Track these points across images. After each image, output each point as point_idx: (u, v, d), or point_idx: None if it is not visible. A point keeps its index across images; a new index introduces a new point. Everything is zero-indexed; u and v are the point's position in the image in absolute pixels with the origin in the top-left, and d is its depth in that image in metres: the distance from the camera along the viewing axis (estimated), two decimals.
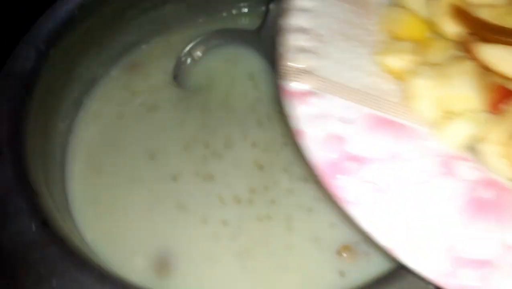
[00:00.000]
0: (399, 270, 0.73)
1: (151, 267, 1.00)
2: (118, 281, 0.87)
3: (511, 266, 0.65)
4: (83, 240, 1.04)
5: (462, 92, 0.71)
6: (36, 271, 0.87)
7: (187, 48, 1.24)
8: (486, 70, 0.72)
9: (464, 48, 0.74)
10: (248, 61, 1.23)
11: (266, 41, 1.15)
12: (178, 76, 1.23)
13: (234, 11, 1.32)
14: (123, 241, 1.05)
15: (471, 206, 0.69)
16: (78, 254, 0.91)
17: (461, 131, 0.73)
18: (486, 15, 0.75)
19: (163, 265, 1.00)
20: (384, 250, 0.69)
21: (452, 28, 0.78)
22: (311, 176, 0.81)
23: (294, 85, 0.78)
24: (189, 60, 1.23)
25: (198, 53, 1.23)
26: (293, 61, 0.79)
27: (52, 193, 1.04)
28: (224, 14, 1.32)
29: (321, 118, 0.75)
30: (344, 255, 0.92)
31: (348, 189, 0.71)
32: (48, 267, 0.87)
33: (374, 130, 0.74)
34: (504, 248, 0.66)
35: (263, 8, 1.18)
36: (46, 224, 0.93)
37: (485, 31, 0.73)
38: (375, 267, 0.91)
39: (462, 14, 0.76)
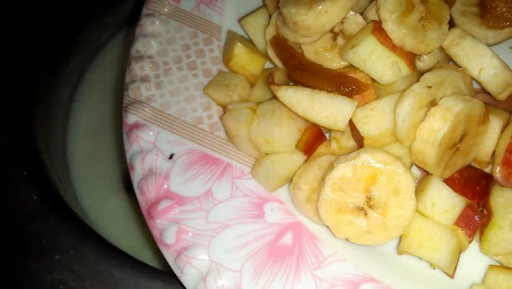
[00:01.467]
0: None
1: None
2: (125, 256, 0.79)
3: None
4: (83, 212, 0.96)
5: (269, 135, 0.68)
6: (38, 244, 0.79)
7: None
8: None
9: (268, 86, 0.71)
10: None
11: None
12: None
13: None
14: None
15: (270, 250, 0.66)
16: (83, 226, 0.82)
17: (271, 172, 0.69)
18: (307, 51, 0.73)
19: None
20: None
21: (278, 62, 0.75)
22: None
23: (129, 116, 0.76)
24: None
25: None
26: (132, 92, 0.76)
27: (53, 162, 0.94)
28: None
29: (146, 152, 0.73)
30: None
31: (165, 231, 0.68)
32: (51, 240, 0.79)
33: (194, 166, 0.72)
34: None
35: None
36: (48, 193, 0.84)
37: (296, 71, 0.70)
38: None
39: (280, 47, 0.73)
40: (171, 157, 0.73)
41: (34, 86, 0.96)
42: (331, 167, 0.65)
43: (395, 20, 0.68)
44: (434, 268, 0.68)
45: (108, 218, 0.97)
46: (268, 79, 0.73)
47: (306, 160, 0.70)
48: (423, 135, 0.64)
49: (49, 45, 0.99)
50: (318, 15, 0.70)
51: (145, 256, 0.92)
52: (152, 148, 0.73)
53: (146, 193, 0.71)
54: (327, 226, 0.66)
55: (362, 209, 0.64)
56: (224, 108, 0.76)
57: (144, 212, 0.71)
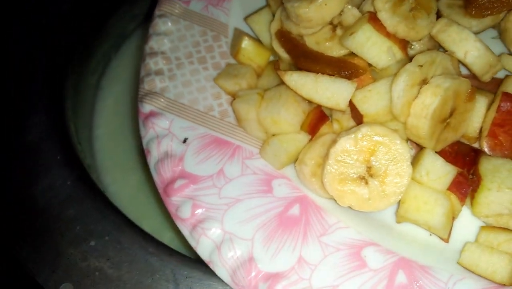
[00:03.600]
0: None
1: None
2: (162, 245, 0.78)
3: (300, 277, 0.66)
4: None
5: (276, 116, 0.71)
6: (73, 229, 0.78)
7: None
8: None
9: (276, 73, 0.74)
10: None
11: None
12: None
13: None
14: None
15: (279, 220, 0.70)
16: (117, 213, 0.81)
17: (278, 151, 0.72)
18: (309, 41, 0.77)
19: None
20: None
21: (282, 52, 0.78)
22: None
23: (144, 106, 0.79)
24: None
25: None
26: (147, 84, 0.81)
27: (83, 149, 0.93)
28: None
29: (162, 137, 0.76)
30: None
31: (181, 206, 0.71)
32: (86, 226, 0.78)
33: (207, 149, 0.75)
34: (298, 261, 0.67)
35: None
36: (82, 178, 0.83)
37: (301, 58, 0.75)
38: None
39: (285, 39, 0.77)
40: (185, 141, 0.76)
41: (64, 72, 0.96)
42: (334, 142, 0.67)
43: (388, 9, 0.72)
44: (430, 235, 0.69)
45: (129, 202, 0.97)
46: (275, 66, 0.77)
47: (310, 140, 0.72)
48: (417, 110, 0.67)
49: (78, 32, 1.00)
50: (319, 8, 0.73)
51: (165, 237, 0.93)
52: (167, 134, 0.76)
53: (162, 173, 0.74)
54: (332, 196, 0.68)
55: (363, 178, 0.67)
56: (234, 96, 0.78)
57: (161, 190, 0.73)
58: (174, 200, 0.72)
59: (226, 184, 0.72)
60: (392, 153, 0.66)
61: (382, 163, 0.66)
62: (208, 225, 0.69)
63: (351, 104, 0.71)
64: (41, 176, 0.83)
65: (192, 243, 0.70)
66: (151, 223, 0.94)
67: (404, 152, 0.66)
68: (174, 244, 0.89)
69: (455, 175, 0.68)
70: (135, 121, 1.00)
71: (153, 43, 0.84)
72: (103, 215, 0.80)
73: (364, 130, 0.66)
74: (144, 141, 0.77)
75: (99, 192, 0.84)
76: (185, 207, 0.71)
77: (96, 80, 1.09)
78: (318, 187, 0.70)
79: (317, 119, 0.73)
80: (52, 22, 0.97)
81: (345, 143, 0.66)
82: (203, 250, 0.69)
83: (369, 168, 0.67)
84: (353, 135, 0.66)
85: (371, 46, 0.73)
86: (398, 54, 0.73)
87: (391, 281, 0.66)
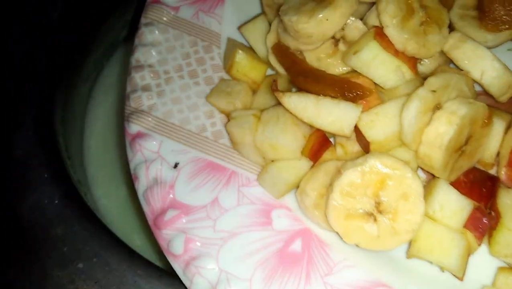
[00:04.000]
0: None
1: None
2: (151, 267, 0.74)
3: None
4: (103, 217, 0.89)
5: (274, 141, 0.66)
6: (61, 250, 0.74)
7: None
8: None
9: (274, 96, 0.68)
10: None
11: None
12: None
13: None
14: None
15: (279, 258, 0.65)
16: (106, 233, 0.77)
17: (277, 179, 0.67)
18: (309, 58, 0.71)
19: None
20: None
21: (279, 68, 0.73)
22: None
23: (131, 126, 0.73)
24: None
25: None
26: (133, 101, 0.75)
27: (73, 163, 0.89)
28: None
29: (151, 162, 0.71)
30: None
31: (172, 241, 0.66)
32: (74, 247, 0.74)
33: (200, 175, 0.70)
34: None
35: None
36: (70, 197, 0.79)
37: (299, 77, 0.69)
38: None
39: (282, 54, 0.72)
40: (176, 166, 0.70)
41: (54, 82, 0.91)
42: (338, 173, 0.62)
43: (397, 25, 0.66)
44: (443, 271, 0.64)
45: (121, 215, 0.94)
46: (272, 86, 0.70)
47: (312, 166, 0.67)
48: (430, 138, 0.62)
49: (69, 41, 0.95)
50: (319, 23, 0.67)
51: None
52: (156, 158, 0.70)
53: (152, 203, 0.68)
54: (337, 232, 0.63)
55: (372, 214, 0.61)
56: (228, 115, 0.72)
57: (151, 222, 0.68)
58: (165, 234, 0.66)
59: (221, 216, 0.67)
60: (403, 188, 0.60)
61: (392, 199, 0.61)
62: (203, 262, 0.64)
63: (356, 129, 0.65)
64: (27, 194, 0.79)
65: (186, 283, 0.65)
66: (142, 237, 0.92)
67: (417, 187, 0.60)
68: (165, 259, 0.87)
69: (472, 211, 0.62)
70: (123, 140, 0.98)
71: (139, 55, 0.78)
72: (91, 235, 0.76)
73: (371, 162, 0.61)
74: (132, 166, 0.71)
75: (88, 210, 0.80)
76: (177, 242, 0.66)
77: (88, 89, 1.04)
78: (322, 220, 0.65)
79: (319, 144, 0.67)
80: (41, 31, 0.92)
81: (351, 176, 0.61)
82: None
83: (377, 203, 0.61)
84: (359, 168, 0.60)
85: (378, 66, 0.67)
86: (408, 73, 0.68)
87: None
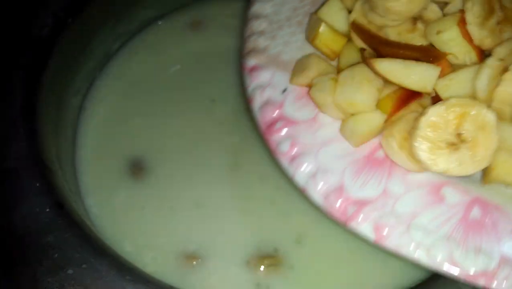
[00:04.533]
0: None
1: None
2: (139, 273, 0.79)
3: (385, 203, 0.76)
4: (94, 225, 0.92)
5: (352, 99, 0.76)
6: (50, 257, 0.76)
7: None
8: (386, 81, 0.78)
9: (364, 62, 0.79)
10: None
11: None
12: None
13: None
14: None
15: (366, 159, 0.79)
16: (96, 240, 0.80)
17: (355, 129, 0.78)
18: (391, 32, 0.82)
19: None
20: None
21: (361, 43, 0.84)
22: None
23: (249, 61, 0.89)
24: None
25: None
26: (252, 42, 0.90)
27: (64, 173, 0.90)
28: None
29: (264, 87, 0.86)
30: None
31: (280, 143, 0.81)
32: (64, 253, 0.77)
33: (303, 99, 0.84)
34: (384, 192, 0.76)
35: None
36: (61, 205, 0.81)
37: (382, 46, 0.80)
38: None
39: (360, 30, 0.83)
40: (284, 91, 0.85)
41: (46, 94, 0.92)
42: (423, 114, 0.71)
43: (479, 23, 0.76)
44: None
45: (111, 223, 0.95)
46: (363, 55, 0.81)
47: (389, 118, 0.77)
48: (500, 97, 0.72)
49: (59, 51, 0.96)
50: (408, 2, 0.78)
51: (147, 257, 0.92)
52: (268, 84, 0.86)
53: (265, 116, 0.84)
54: (420, 168, 0.73)
55: (454, 144, 0.70)
56: (310, 86, 0.83)
57: (263, 130, 0.84)
58: (274, 138, 0.82)
59: (320, 128, 0.82)
60: (480, 120, 0.69)
61: (471, 130, 0.69)
62: (305, 158, 0.79)
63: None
64: (19, 203, 0.80)
65: (290, 172, 0.80)
66: (133, 244, 0.93)
67: (491, 119, 0.70)
68: (155, 264, 0.91)
69: None
70: (124, 141, 1.03)
71: (258, 7, 0.94)
72: (81, 242, 0.78)
73: (453, 101, 0.69)
74: (249, 90, 0.87)
75: (79, 218, 0.82)
76: (284, 144, 0.81)
77: (80, 101, 1.04)
78: (407, 160, 0.74)
79: (402, 100, 0.76)
80: (33, 42, 0.94)
81: (436, 111, 0.70)
82: (299, 179, 0.79)
83: (459, 135, 0.69)
84: (443, 106, 0.69)
85: (453, 46, 0.77)
86: (474, 59, 0.77)
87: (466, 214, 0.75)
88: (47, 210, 0.80)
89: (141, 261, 0.88)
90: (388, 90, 0.77)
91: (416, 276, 0.90)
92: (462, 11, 0.78)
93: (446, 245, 0.73)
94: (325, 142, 0.81)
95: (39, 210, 0.80)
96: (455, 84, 0.74)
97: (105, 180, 0.99)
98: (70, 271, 0.76)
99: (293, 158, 0.80)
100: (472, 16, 0.76)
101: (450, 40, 0.77)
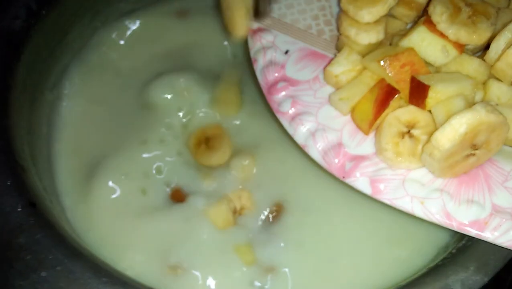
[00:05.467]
0: None
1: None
2: (113, 274, 0.76)
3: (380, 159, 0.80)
4: (70, 225, 0.89)
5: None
6: (23, 259, 0.74)
7: None
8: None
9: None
10: None
11: None
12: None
13: None
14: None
15: None
16: (70, 241, 0.77)
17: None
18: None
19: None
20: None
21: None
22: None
23: (253, 24, 0.92)
24: None
25: None
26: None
27: (38, 171, 0.87)
28: None
29: (267, 49, 0.90)
30: None
31: (282, 103, 0.85)
32: (37, 255, 0.74)
33: (305, 60, 0.89)
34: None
35: None
36: (33, 204, 0.79)
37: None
38: None
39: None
40: (286, 52, 0.90)
41: (19, 89, 0.89)
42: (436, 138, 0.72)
43: (446, 20, 0.79)
44: None
45: (88, 223, 0.92)
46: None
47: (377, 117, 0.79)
48: (508, 59, 0.78)
49: (33, 45, 0.93)
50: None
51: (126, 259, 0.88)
52: (271, 46, 0.91)
53: (267, 77, 0.88)
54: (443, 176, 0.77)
55: (471, 154, 0.75)
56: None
57: (265, 90, 0.88)
58: (276, 98, 0.86)
59: (320, 88, 0.86)
60: (492, 126, 0.72)
61: (484, 139, 0.73)
62: (305, 117, 0.83)
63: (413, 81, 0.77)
64: None
65: (290, 131, 0.84)
66: (109, 249, 0.89)
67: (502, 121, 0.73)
68: (132, 270, 0.86)
69: None
70: (102, 133, 1.01)
71: None
72: (55, 243, 0.75)
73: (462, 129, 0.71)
74: (252, 52, 0.92)
75: (52, 218, 0.79)
76: (286, 104, 0.85)
77: (55, 96, 1.01)
78: (407, 160, 0.78)
79: (385, 94, 0.79)
80: (4, 35, 0.91)
81: (449, 142, 0.71)
82: (299, 136, 0.83)
83: (473, 145, 0.74)
84: (458, 135, 0.71)
85: (427, 46, 0.81)
86: (452, 51, 0.79)
87: None
88: (19, 209, 0.78)
89: (117, 264, 0.85)
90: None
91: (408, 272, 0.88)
92: (427, 16, 0.81)
93: (440, 197, 0.76)
94: (324, 102, 0.85)
95: (10, 210, 0.77)
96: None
97: (83, 178, 0.95)
98: (43, 274, 0.73)
99: (294, 117, 0.84)
100: (437, 16, 0.79)
101: (421, 40, 0.81)
